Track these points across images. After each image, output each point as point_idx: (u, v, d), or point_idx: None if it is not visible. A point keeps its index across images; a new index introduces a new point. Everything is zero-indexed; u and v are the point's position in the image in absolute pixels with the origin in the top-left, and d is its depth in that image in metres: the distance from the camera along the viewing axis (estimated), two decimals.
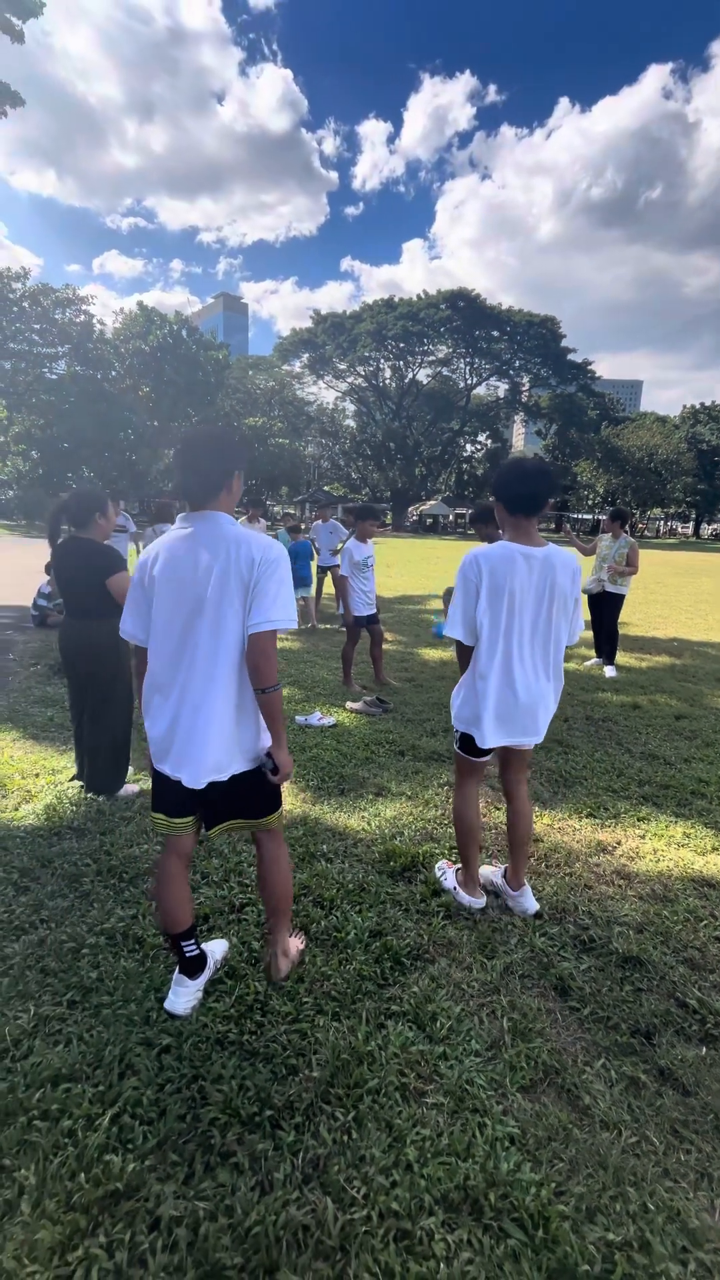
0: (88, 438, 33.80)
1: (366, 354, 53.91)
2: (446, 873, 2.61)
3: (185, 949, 1.91)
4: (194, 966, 1.93)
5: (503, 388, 59.59)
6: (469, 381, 57.87)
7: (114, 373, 36.21)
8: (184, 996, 1.90)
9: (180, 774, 1.71)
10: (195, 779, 1.70)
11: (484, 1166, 1.46)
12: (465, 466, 61.11)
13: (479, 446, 61.45)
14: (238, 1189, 1.40)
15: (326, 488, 57.21)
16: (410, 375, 57.04)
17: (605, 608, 6.39)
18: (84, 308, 34.85)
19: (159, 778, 1.80)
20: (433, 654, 7.05)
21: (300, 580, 7.90)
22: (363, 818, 3.18)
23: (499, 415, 59.95)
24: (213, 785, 1.74)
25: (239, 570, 1.66)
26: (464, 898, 2.46)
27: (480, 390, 60.04)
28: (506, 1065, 1.75)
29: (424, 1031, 1.85)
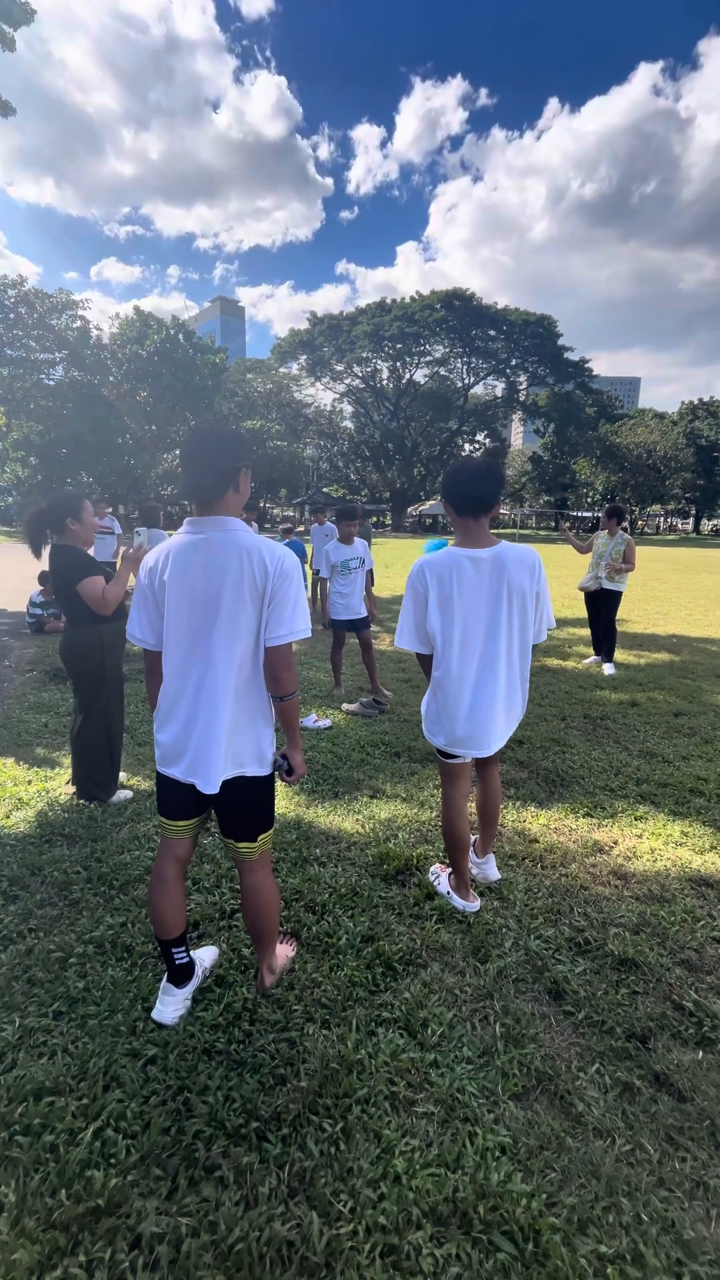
0: (86, 443, 33.79)
1: (364, 355, 53.98)
2: (440, 876, 2.58)
3: (175, 956, 1.89)
4: (182, 975, 1.90)
5: (500, 387, 59.63)
6: (466, 381, 57.89)
7: (111, 378, 36.21)
8: (171, 1006, 1.87)
9: (194, 779, 1.70)
10: (210, 784, 1.69)
11: (474, 1178, 1.42)
12: None
13: (477, 446, 61.42)
14: (222, 1204, 1.37)
15: (326, 489, 57.24)
16: (407, 376, 57.07)
17: (603, 605, 6.36)
18: (79, 312, 34.86)
19: (164, 780, 1.79)
20: None
21: None
22: (357, 820, 3.15)
23: (497, 414, 59.97)
24: (219, 792, 1.72)
25: (253, 580, 1.65)
26: (458, 902, 2.43)
27: (478, 390, 60.09)
28: (498, 1072, 1.71)
29: (415, 1039, 1.82)
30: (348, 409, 61.33)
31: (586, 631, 8.26)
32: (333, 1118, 1.57)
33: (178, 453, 46.19)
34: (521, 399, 58.65)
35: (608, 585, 6.25)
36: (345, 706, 4.99)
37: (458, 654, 2.18)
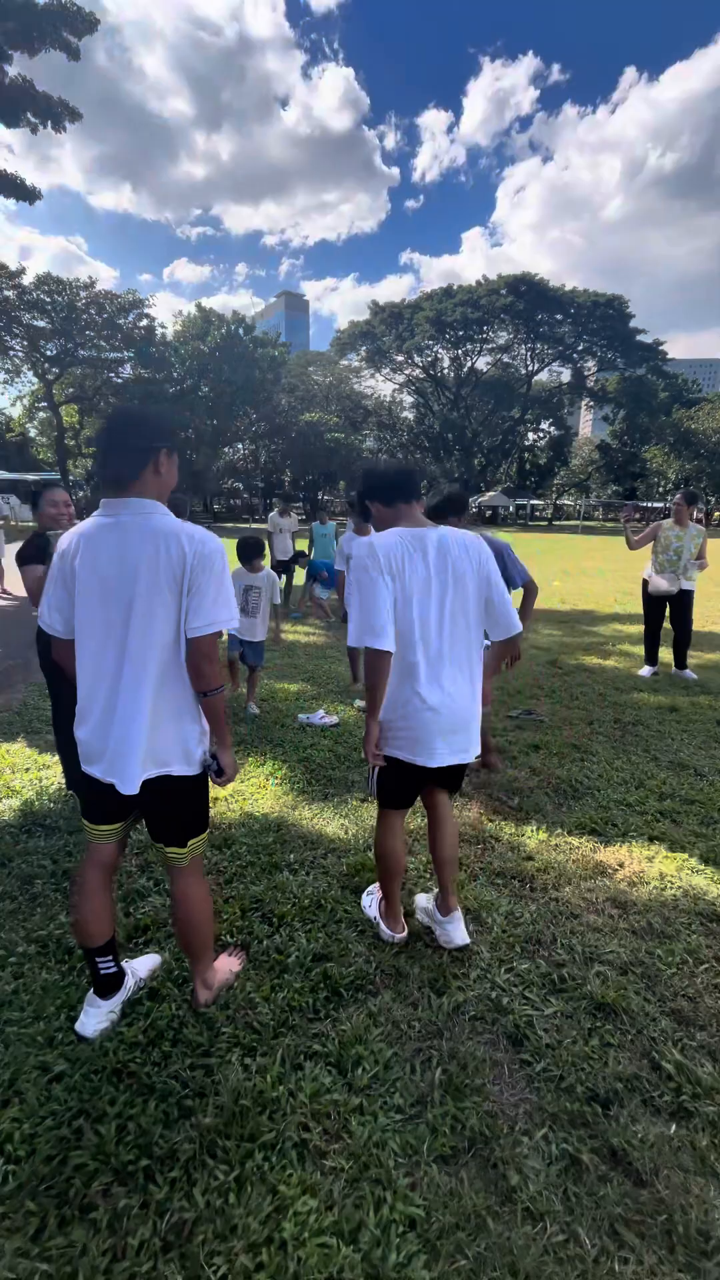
0: None
1: (424, 343, 53.04)
2: (372, 897, 2.34)
3: (100, 965, 1.79)
4: (108, 986, 1.81)
5: (566, 373, 57.21)
6: (530, 368, 55.88)
7: (174, 374, 37.25)
8: (94, 1018, 1.78)
9: (112, 779, 1.60)
10: (129, 784, 1.58)
11: (369, 1255, 1.24)
12: (527, 456, 59.20)
13: (541, 435, 59.32)
14: (88, 1251, 1.25)
15: None
16: (469, 364, 55.72)
17: (679, 607, 5.69)
18: (145, 310, 36.03)
19: (87, 781, 1.68)
20: None
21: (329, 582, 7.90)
22: (341, 825, 3.00)
23: (562, 402, 57.61)
24: (144, 793, 1.61)
25: (170, 566, 1.53)
26: (385, 931, 2.17)
27: (543, 376, 57.89)
28: (428, 1127, 1.52)
29: (344, 1077, 1.65)
30: (407, 400, 60.56)
31: (631, 628, 7.75)
32: (229, 1163, 1.42)
33: (239, 447, 47.17)
34: (589, 385, 56.11)
35: (685, 584, 5.67)
36: (358, 704, 4.82)
37: (421, 645, 1.91)
